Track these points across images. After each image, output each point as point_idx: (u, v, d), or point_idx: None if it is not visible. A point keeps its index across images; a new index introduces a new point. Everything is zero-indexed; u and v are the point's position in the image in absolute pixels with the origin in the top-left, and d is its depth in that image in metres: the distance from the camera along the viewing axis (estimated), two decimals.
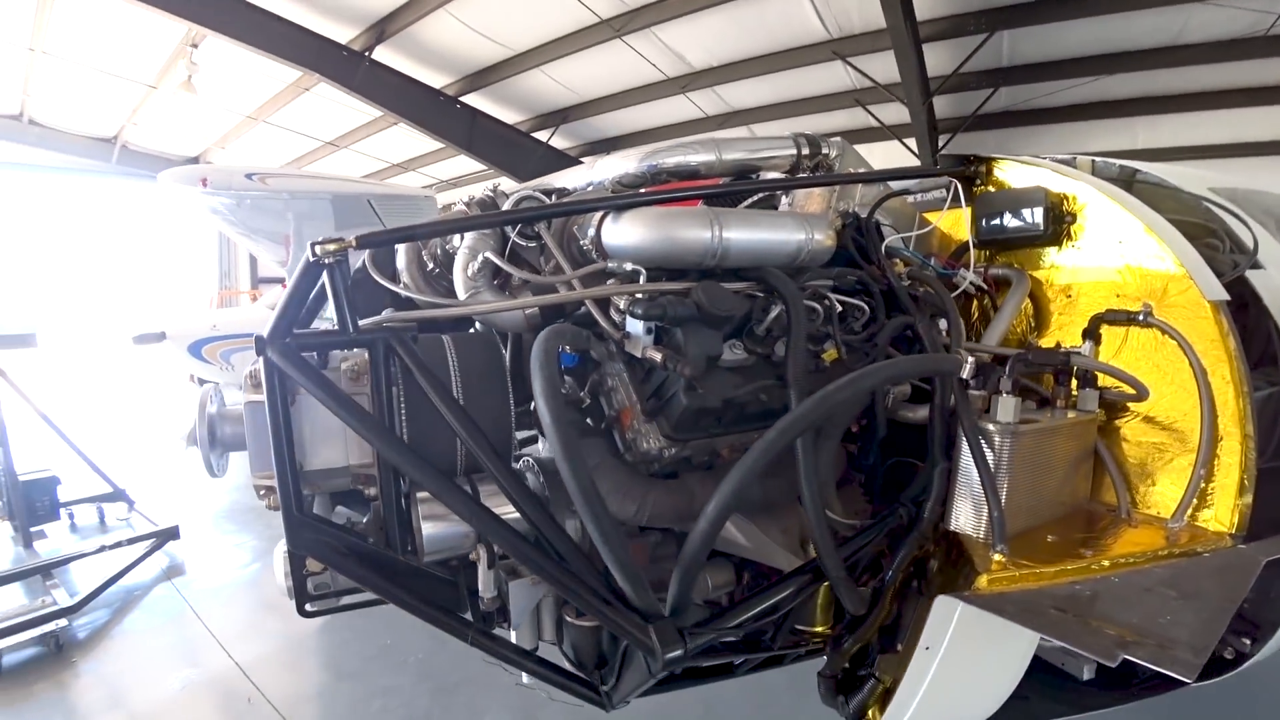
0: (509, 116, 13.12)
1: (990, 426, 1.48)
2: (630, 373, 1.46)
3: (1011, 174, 1.98)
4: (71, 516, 6.21)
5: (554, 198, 1.75)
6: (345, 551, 1.40)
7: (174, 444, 5.66)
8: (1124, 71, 9.61)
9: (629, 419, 1.45)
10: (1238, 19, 7.93)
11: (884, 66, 9.53)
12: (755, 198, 1.87)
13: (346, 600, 1.54)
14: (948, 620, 1.39)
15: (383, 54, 10.53)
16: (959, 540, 1.54)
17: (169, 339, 9.55)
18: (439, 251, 1.77)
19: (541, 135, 13.50)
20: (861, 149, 8.83)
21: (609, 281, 1.49)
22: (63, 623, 4.26)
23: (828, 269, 1.67)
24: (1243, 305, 1.76)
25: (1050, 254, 1.90)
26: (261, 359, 1.35)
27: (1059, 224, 1.83)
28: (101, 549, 5.14)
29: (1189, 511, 1.54)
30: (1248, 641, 1.71)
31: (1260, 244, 1.85)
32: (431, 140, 12.70)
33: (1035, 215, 1.82)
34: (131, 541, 5.32)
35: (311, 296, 1.53)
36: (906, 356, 1.58)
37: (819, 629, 1.66)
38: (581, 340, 1.41)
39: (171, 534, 5.47)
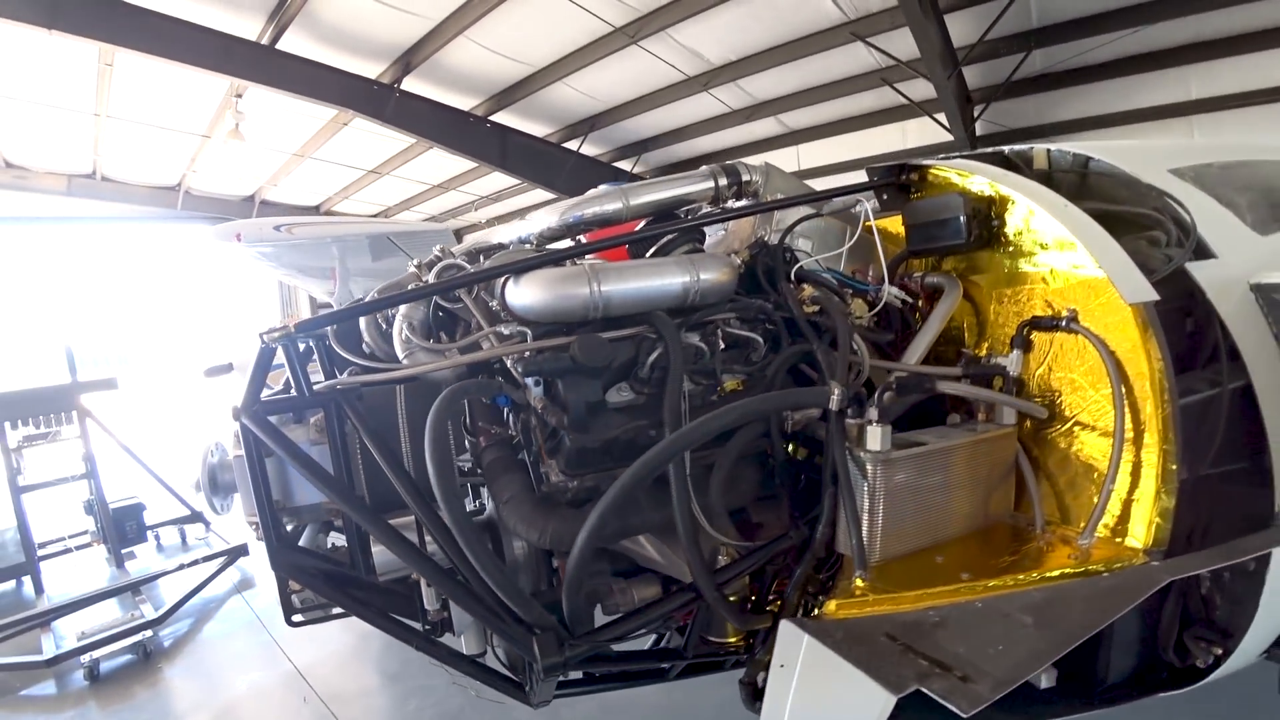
0: (538, 130, 13.42)
1: (863, 455, 1.51)
2: (537, 416, 1.60)
3: (948, 179, 1.94)
4: (158, 538, 6.79)
5: (483, 258, 1.90)
6: (316, 573, 1.63)
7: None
8: (1166, 19, 9.03)
9: (542, 455, 1.60)
10: None
11: (908, 43, 9.32)
12: (662, 240, 1.85)
13: (330, 611, 1.79)
14: (797, 642, 1.40)
15: (412, 84, 10.98)
16: (843, 562, 1.58)
17: (236, 369, 10.24)
18: (389, 313, 1.94)
19: (572, 145, 13.75)
20: (893, 127, 8.86)
21: (503, 329, 1.62)
22: (150, 633, 4.71)
23: (725, 303, 1.71)
24: (1192, 299, 1.70)
25: (987, 258, 1.86)
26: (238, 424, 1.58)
27: (985, 229, 1.80)
28: (181, 567, 5.62)
29: (1103, 526, 1.50)
30: (1219, 651, 1.67)
31: (1210, 232, 1.77)
32: (467, 160, 13.12)
33: (956, 224, 1.80)
34: (207, 559, 5.79)
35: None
36: (769, 393, 1.61)
37: (730, 640, 1.75)
38: (491, 390, 1.58)
39: (241, 551, 5.91)
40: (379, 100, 10.74)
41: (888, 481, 1.44)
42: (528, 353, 1.54)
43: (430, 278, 1.76)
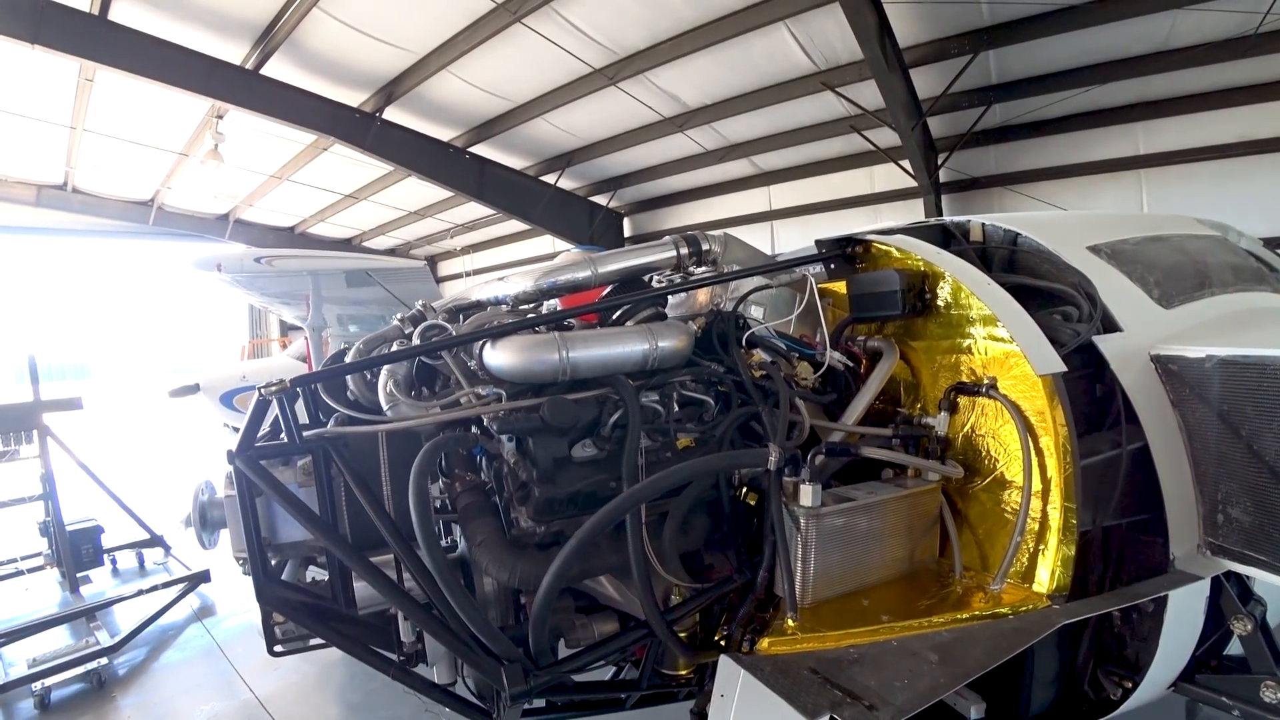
0: (516, 163, 13.66)
1: (796, 510, 1.67)
2: (509, 469, 1.75)
3: (889, 252, 2.12)
4: (114, 561, 6.65)
5: (463, 317, 2.06)
6: (300, 606, 1.75)
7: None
8: (1115, 80, 9.63)
9: (512, 501, 1.75)
10: (1225, 20, 7.98)
11: (875, 93, 9.79)
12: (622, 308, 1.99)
13: (309, 642, 1.90)
14: (734, 675, 1.55)
15: (393, 114, 11.16)
16: (781, 603, 1.74)
17: (202, 391, 10.13)
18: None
19: (549, 178, 14.01)
20: (860, 173, 9.21)
21: (483, 394, 1.77)
22: (104, 661, 4.62)
23: (681, 367, 1.87)
24: (1099, 369, 1.90)
25: (922, 326, 2.04)
26: (231, 466, 1.71)
27: (919, 301, 1.99)
28: (139, 593, 5.53)
29: (1014, 573, 1.67)
30: (1129, 684, 1.84)
31: (1118, 306, 1.97)
32: (445, 189, 13.28)
33: (892, 297, 1.99)
34: (167, 585, 5.71)
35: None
36: (715, 454, 1.78)
37: (682, 672, 1.89)
38: (468, 443, 1.74)
39: (203, 577, 5.84)
40: (360, 128, 10.88)
41: (819, 533, 1.60)
42: (503, 412, 1.67)
43: (415, 338, 1.89)
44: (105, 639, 4.84)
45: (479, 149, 12.72)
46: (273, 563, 1.88)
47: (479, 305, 2.18)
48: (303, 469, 1.81)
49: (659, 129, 11.97)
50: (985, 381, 1.83)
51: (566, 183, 14.42)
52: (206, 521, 1.92)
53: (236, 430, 11.65)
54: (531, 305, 2.07)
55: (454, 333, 1.89)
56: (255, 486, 1.69)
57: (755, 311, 2.23)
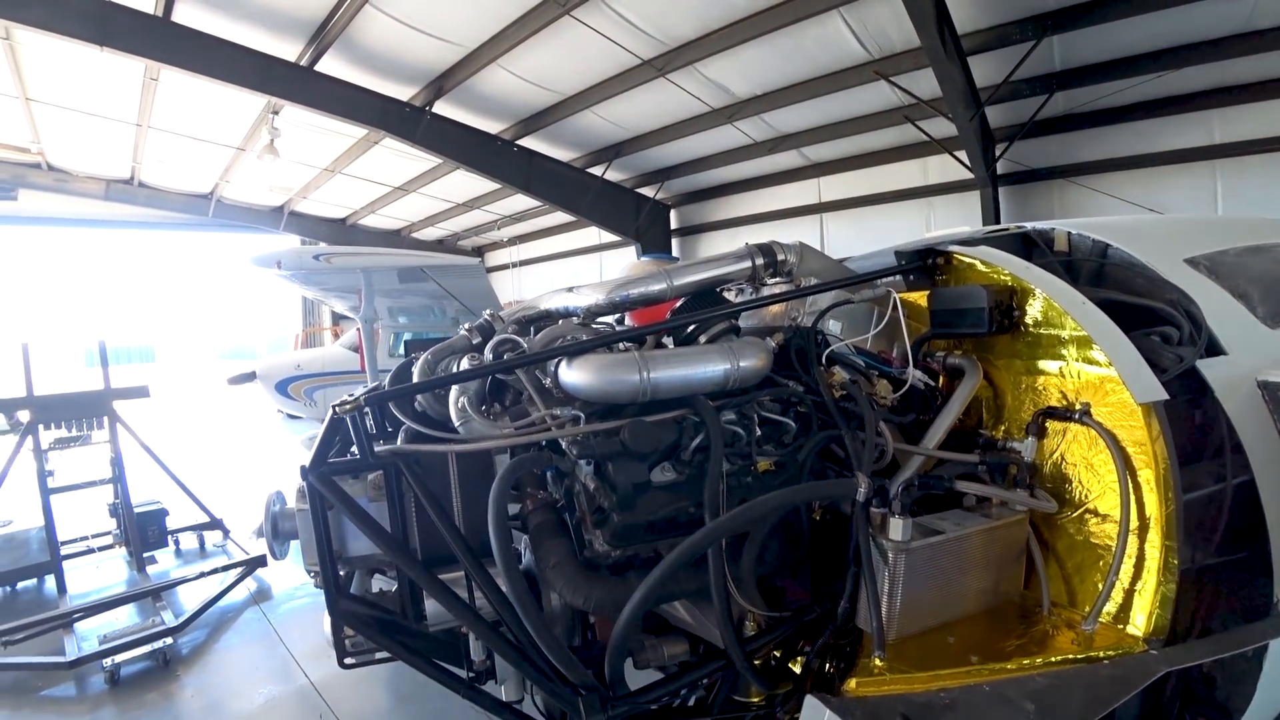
0: (563, 155, 13.68)
1: (885, 543, 1.58)
2: (584, 489, 1.71)
3: (972, 265, 2.00)
4: (177, 542, 6.93)
5: (533, 330, 2.02)
6: (370, 620, 1.75)
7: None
8: (1192, 64, 9.09)
9: (586, 523, 1.71)
10: None
11: (931, 82, 9.46)
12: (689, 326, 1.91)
13: (377, 655, 1.91)
14: (819, 716, 1.46)
15: (442, 107, 11.27)
16: (863, 637, 1.66)
17: (259, 379, 10.48)
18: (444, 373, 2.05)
19: (596, 170, 14.00)
20: (913, 164, 8.99)
21: (560, 415, 1.72)
22: (169, 641, 4.81)
23: (761, 388, 1.80)
24: (1201, 395, 1.75)
25: (1007, 344, 1.92)
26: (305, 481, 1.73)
27: (1006, 318, 1.87)
28: (201, 575, 5.74)
29: (1106, 613, 1.55)
30: None
31: (1221, 327, 1.82)
32: (492, 181, 13.39)
33: (978, 314, 1.87)
34: (226, 568, 5.91)
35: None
36: (803, 485, 1.69)
37: (754, 699, 1.83)
38: (543, 463, 1.70)
39: (259, 562, 6.03)
40: (410, 122, 11.02)
41: (907, 568, 1.53)
42: (580, 436, 1.64)
43: (487, 352, 1.86)
44: (170, 619, 5.03)
45: (527, 141, 12.77)
46: (341, 573, 1.90)
47: (548, 316, 2.14)
48: (373, 483, 1.81)
49: (707, 120, 11.82)
50: (1078, 407, 1.70)
51: (613, 174, 14.38)
52: (278, 532, 1.94)
53: (291, 416, 11.98)
54: (604, 319, 2.03)
55: (526, 347, 1.85)
56: (327, 501, 1.70)
57: (832, 325, 2.15)
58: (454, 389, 1.82)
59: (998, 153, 11.01)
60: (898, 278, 2.08)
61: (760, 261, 2.01)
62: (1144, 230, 2.38)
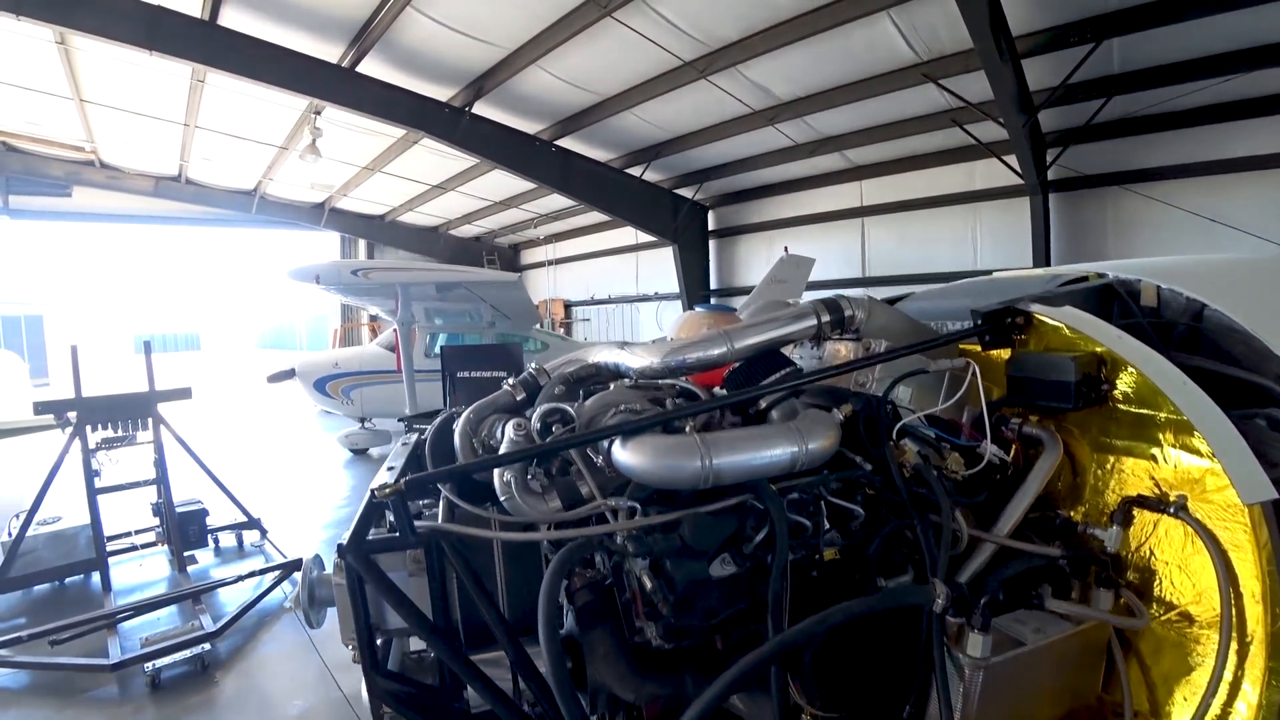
0: (601, 155, 13.61)
1: (962, 658, 1.44)
2: (637, 579, 1.60)
3: (1056, 328, 1.83)
4: (216, 541, 7.06)
5: (582, 395, 1.91)
6: (410, 700, 1.69)
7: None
8: (1265, 67, 8.59)
9: (637, 608, 1.60)
10: None
11: (979, 84, 9.14)
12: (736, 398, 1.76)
13: None
14: None
15: (482, 108, 11.27)
16: None
17: (297, 376, 10.65)
18: (487, 441, 1.95)
19: (634, 171, 13.90)
20: (958, 169, 8.71)
21: (615, 504, 1.61)
22: (208, 646, 4.88)
23: (828, 469, 1.66)
24: None
25: (1092, 418, 1.75)
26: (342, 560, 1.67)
27: (1093, 391, 1.71)
28: (239, 578, 5.82)
29: None
30: None
31: None
32: (529, 181, 13.39)
33: (1064, 389, 1.71)
34: (263, 571, 5.98)
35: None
36: (873, 595, 1.54)
37: None
38: (595, 547, 1.59)
39: (297, 565, 6.09)
40: (450, 123, 11.05)
41: (984, 683, 1.40)
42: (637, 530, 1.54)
43: (534, 420, 1.75)
44: (209, 622, 5.10)
45: (565, 142, 12.73)
46: (379, 641, 1.84)
47: (597, 373, 2.04)
48: (413, 558, 1.75)
49: (748, 122, 11.63)
50: (1173, 499, 1.54)
51: (651, 175, 14.27)
52: (315, 600, 1.89)
53: (328, 413, 12.18)
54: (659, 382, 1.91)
55: (575, 417, 1.75)
56: (364, 579, 1.64)
57: (901, 392, 1.99)
58: (503, 445, 1.74)
59: (1049, 158, 10.60)
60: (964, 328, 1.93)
61: (826, 319, 1.87)
62: (1242, 284, 2.15)
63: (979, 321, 1.86)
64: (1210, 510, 1.48)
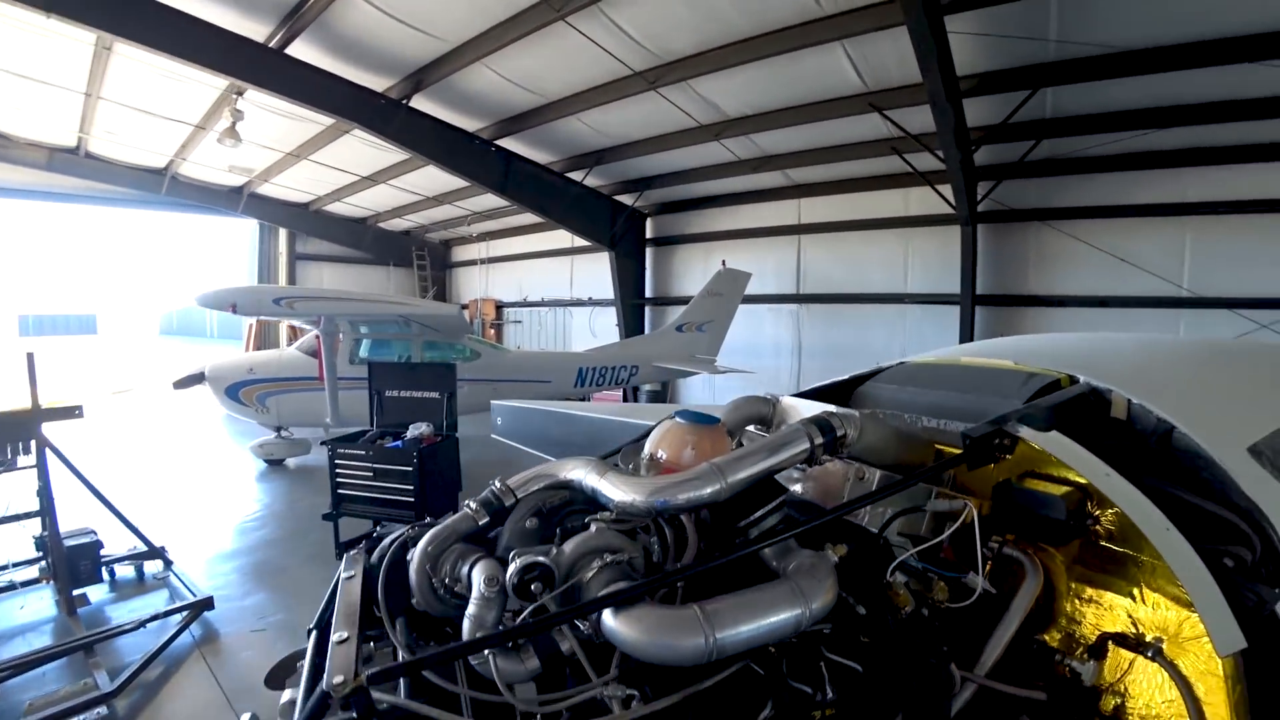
0: (542, 158, 13.28)
1: None
2: None
3: (1042, 455, 1.82)
4: (112, 574, 6.40)
5: (558, 531, 1.72)
6: None
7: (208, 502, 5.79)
8: (1175, 126, 9.30)
9: None
10: None
11: (922, 116, 9.42)
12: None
13: None
14: None
15: (420, 102, 10.75)
16: None
17: (207, 381, 9.86)
18: (447, 580, 1.75)
19: (575, 175, 13.62)
20: (894, 194, 9.10)
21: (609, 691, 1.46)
22: (104, 710, 4.37)
23: (827, 627, 1.57)
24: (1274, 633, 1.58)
25: (1073, 546, 1.73)
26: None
27: (1079, 525, 1.70)
28: (141, 624, 5.27)
29: None
30: None
31: None
32: (467, 180, 12.90)
33: (1053, 525, 1.69)
34: (169, 613, 5.46)
35: None
36: None
37: None
38: None
39: (208, 604, 5.61)
40: (384, 115, 10.50)
41: None
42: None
43: (509, 575, 1.53)
44: (105, 679, 4.59)
45: (506, 142, 12.34)
46: None
47: (570, 500, 1.83)
48: None
49: (694, 135, 11.58)
50: (1151, 643, 1.54)
51: (592, 180, 14.04)
52: None
53: (236, 418, 11.29)
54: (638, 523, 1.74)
55: (554, 569, 1.55)
56: None
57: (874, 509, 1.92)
58: (470, 617, 1.53)
59: (981, 192, 11.05)
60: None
61: (819, 442, 1.77)
62: (1205, 403, 2.21)
63: (967, 441, 1.81)
64: (1186, 658, 1.50)
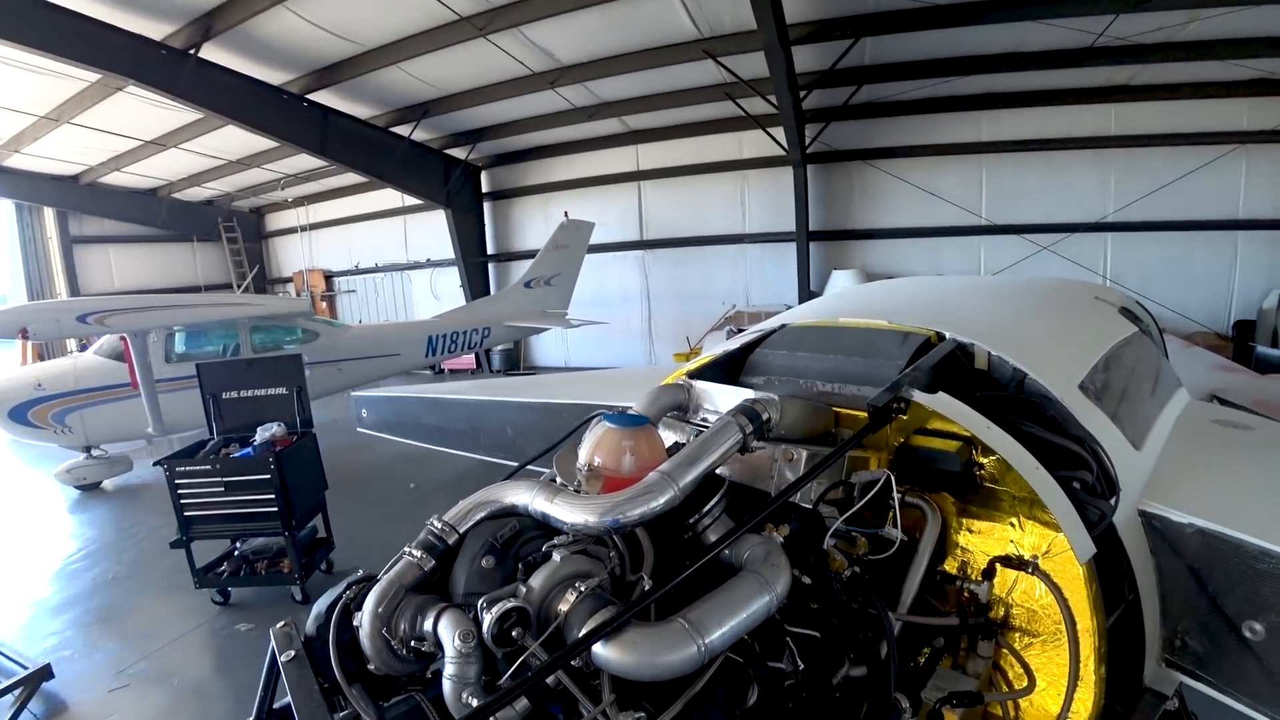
0: (363, 112, 12.18)
1: None
2: None
3: (933, 413, 2.08)
4: None
5: (521, 571, 1.65)
6: None
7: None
8: (973, 74, 10.45)
9: None
10: (1068, 35, 8.85)
11: (753, 63, 9.75)
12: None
13: None
14: None
15: (211, 52, 9.34)
16: None
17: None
18: (406, 639, 1.62)
19: (402, 129, 12.63)
20: (729, 138, 9.56)
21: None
22: None
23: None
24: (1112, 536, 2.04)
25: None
26: None
27: (970, 475, 1.97)
28: None
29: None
30: None
31: (1115, 462, 2.08)
32: (278, 141, 11.52)
33: (951, 478, 1.98)
34: (3, 692, 4.65)
35: None
36: None
37: None
38: None
39: (45, 674, 4.82)
40: (169, 69, 9.02)
41: None
42: None
43: (486, 629, 1.45)
44: None
45: (320, 96, 11.13)
46: None
47: (518, 528, 1.75)
48: None
49: (527, 84, 11.14)
50: (1030, 560, 1.89)
51: (420, 134, 13.11)
52: None
53: (26, 443, 9.46)
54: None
55: (530, 611, 1.49)
56: None
57: (817, 489, 2.08)
58: (451, 679, 1.44)
59: (810, 135, 11.75)
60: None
61: (749, 430, 1.88)
62: (1044, 350, 2.60)
63: (872, 410, 2.01)
64: (1055, 568, 1.87)
